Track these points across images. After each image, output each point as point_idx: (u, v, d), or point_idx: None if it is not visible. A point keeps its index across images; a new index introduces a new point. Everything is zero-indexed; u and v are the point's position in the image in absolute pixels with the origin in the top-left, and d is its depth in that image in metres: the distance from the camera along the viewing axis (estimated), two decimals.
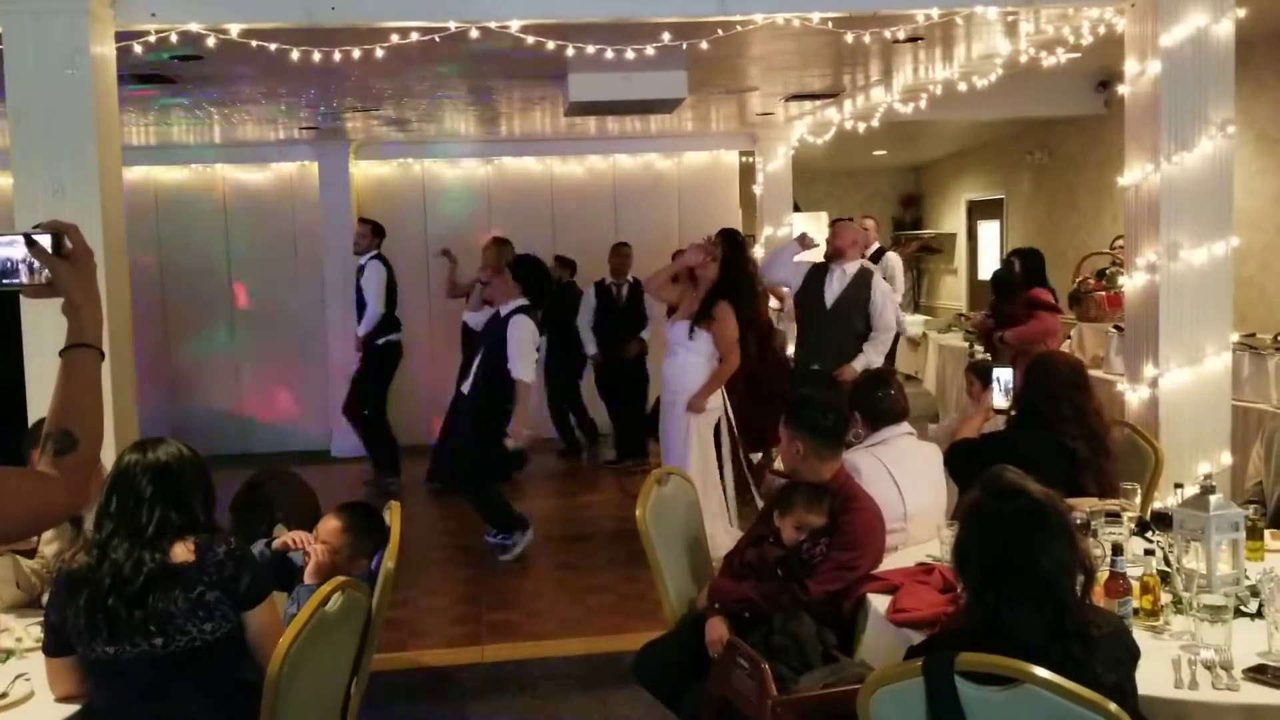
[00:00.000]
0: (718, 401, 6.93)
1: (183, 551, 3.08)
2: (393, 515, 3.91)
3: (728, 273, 7.04)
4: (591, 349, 9.79)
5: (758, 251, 11.21)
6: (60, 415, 2.05)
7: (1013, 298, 7.94)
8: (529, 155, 11.29)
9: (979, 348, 9.47)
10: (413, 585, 6.61)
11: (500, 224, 10.92)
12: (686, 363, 6.86)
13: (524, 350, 6.94)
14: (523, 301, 7.06)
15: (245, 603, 3.12)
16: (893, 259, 10.32)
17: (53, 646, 3.12)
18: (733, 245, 7.56)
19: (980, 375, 5.32)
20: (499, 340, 6.99)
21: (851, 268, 7.50)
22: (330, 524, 3.72)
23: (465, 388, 7.41)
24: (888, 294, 7.54)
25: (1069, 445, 4.33)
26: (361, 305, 9.25)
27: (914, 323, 12.79)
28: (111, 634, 3.00)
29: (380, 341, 9.16)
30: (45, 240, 2.06)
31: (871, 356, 7.34)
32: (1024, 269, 8.07)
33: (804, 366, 7.55)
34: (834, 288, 7.54)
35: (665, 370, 7.02)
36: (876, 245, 10.43)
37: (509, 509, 7.38)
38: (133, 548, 3.05)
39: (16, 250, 2.05)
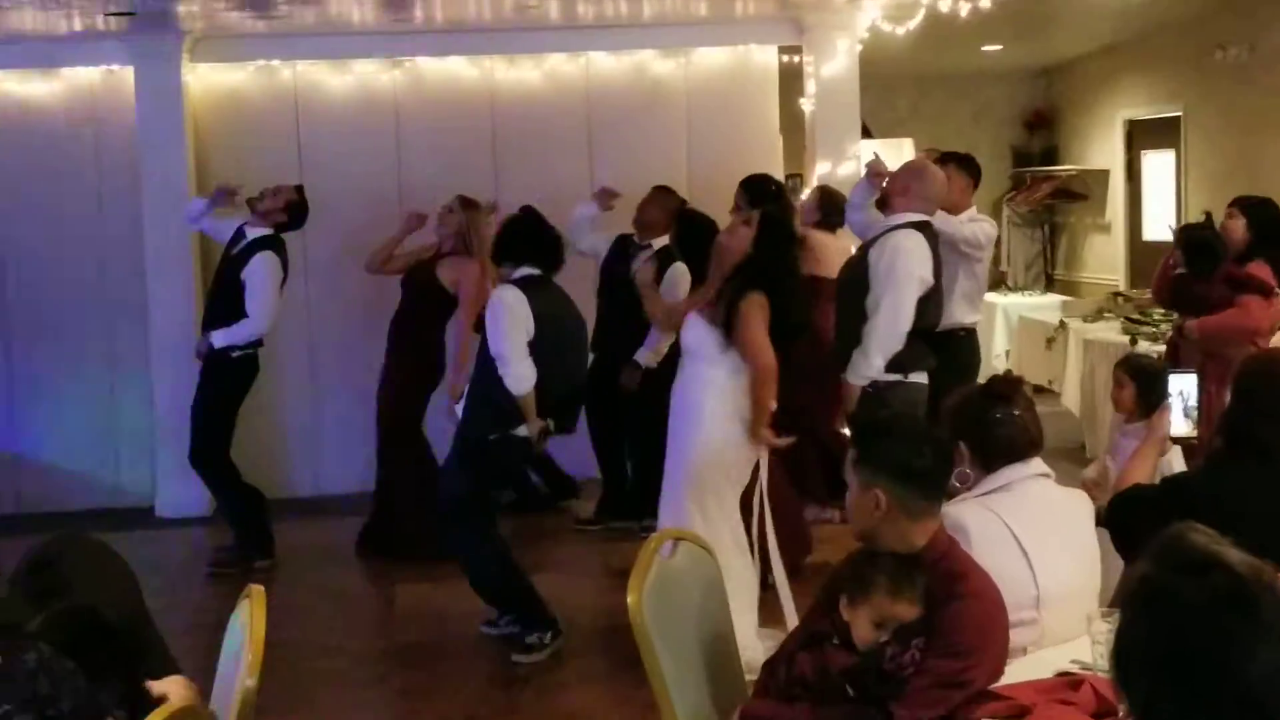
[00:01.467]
0: (746, 447, 5.77)
1: None
2: (254, 606, 3.35)
3: (759, 248, 5.95)
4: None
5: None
6: None
7: (1211, 272, 7.05)
8: (457, 53, 8.98)
9: (1148, 344, 8.31)
10: (290, 714, 5.49)
11: (412, 156, 8.87)
12: (707, 378, 5.78)
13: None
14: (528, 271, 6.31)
15: None
16: (978, 228, 6.97)
17: None
18: (764, 199, 6.52)
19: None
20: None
21: (889, 222, 6.15)
22: None
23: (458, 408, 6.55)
24: (900, 270, 6.02)
25: None
26: (229, 301, 7.35)
27: (1042, 306, 11.66)
28: None
29: (236, 354, 7.36)
30: None
31: (860, 363, 6.06)
32: (1251, 229, 7.10)
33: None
34: (856, 252, 6.55)
35: (675, 389, 6.09)
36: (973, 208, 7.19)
37: (528, 591, 6.17)
38: None
39: None
